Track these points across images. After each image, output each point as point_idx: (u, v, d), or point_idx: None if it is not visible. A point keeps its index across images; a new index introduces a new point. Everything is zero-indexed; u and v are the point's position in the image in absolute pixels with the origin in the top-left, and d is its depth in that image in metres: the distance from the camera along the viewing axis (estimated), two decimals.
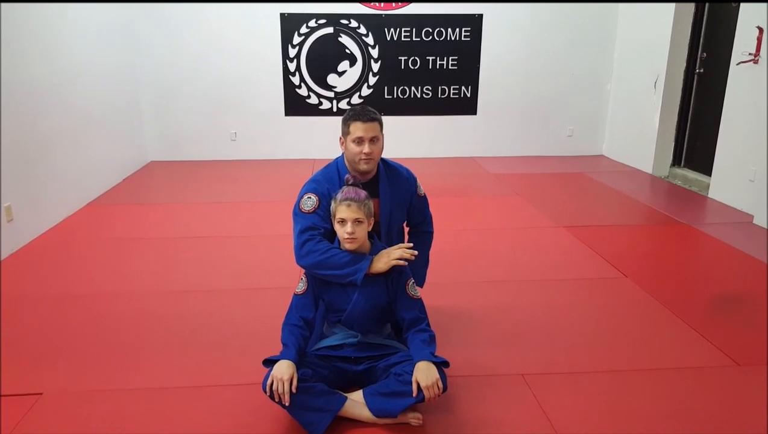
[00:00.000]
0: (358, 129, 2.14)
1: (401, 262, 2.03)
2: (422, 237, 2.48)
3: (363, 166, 2.18)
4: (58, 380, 2.20)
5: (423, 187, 2.47)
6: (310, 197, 2.15)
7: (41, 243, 3.73)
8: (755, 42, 4.28)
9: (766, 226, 4.05)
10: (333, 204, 2.03)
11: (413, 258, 2.05)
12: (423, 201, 2.45)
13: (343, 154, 2.27)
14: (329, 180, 2.20)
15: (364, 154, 2.15)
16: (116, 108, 5.43)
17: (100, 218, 4.34)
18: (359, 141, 2.14)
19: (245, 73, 6.17)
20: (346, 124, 2.19)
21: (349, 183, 2.07)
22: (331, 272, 2.03)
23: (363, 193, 2.03)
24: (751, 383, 2.20)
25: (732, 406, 2.06)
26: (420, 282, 2.47)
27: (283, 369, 1.83)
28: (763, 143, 4.16)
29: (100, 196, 4.89)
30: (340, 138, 2.24)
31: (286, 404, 1.82)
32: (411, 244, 2.10)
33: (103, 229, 4.09)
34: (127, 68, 5.76)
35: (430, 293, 2.57)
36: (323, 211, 2.13)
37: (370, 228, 2.07)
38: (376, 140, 2.17)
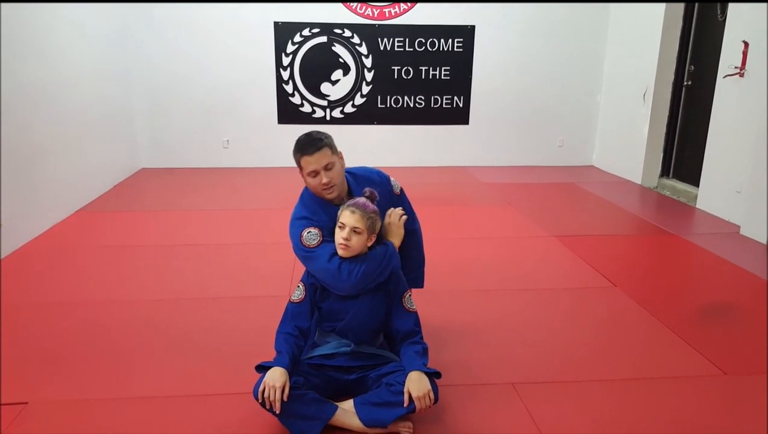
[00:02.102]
0: (308, 163, 2.03)
1: (405, 217, 2.17)
2: (410, 237, 2.35)
3: (328, 197, 2.09)
4: (45, 389, 2.18)
5: (408, 192, 2.42)
6: (310, 231, 2.04)
7: (30, 250, 3.71)
8: (741, 56, 4.36)
9: (752, 237, 4.09)
10: (342, 207, 2.01)
11: (403, 210, 2.18)
12: (402, 198, 2.36)
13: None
14: (313, 211, 2.10)
15: (323, 184, 2.04)
16: (108, 114, 5.42)
17: (90, 225, 4.32)
18: (314, 174, 2.05)
19: (238, 80, 6.18)
20: (297, 161, 2.08)
21: (365, 195, 2.04)
22: (375, 278, 2.03)
23: (372, 207, 2.00)
24: (738, 392, 2.23)
25: (719, 415, 2.08)
26: (420, 283, 2.46)
27: (276, 377, 1.83)
28: (749, 155, 4.22)
29: (91, 203, 4.86)
30: (300, 172, 2.12)
31: (277, 412, 1.82)
32: (392, 208, 2.18)
33: (94, 236, 4.07)
34: (120, 74, 5.75)
35: (421, 301, 2.58)
36: (330, 236, 2.04)
37: (369, 244, 2.03)
38: (331, 166, 2.04)
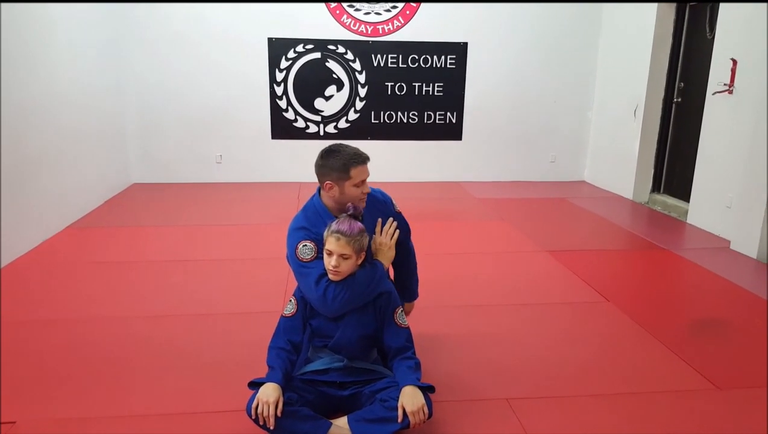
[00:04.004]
0: (363, 172, 2.07)
1: (395, 235, 2.16)
2: (405, 256, 2.42)
3: (362, 206, 2.12)
4: (34, 408, 2.15)
5: (402, 206, 2.42)
6: (306, 244, 2.05)
7: (19, 266, 3.67)
8: (729, 73, 4.43)
9: (742, 252, 4.12)
10: (326, 231, 1.99)
11: (392, 225, 2.17)
12: (401, 218, 2.37)
13: (318, 196, 2.16)
14: (314, 224, 2.10)
15: (363, 193, 2.09)
16: (100, 129, 5.41)
17: (80, 241, 4.29)
18: (362, 183, 2.08)
19: (232, 95, 6.20)
20: (345, 171, 2.04)
21: (349, 212, 2.03)
22: (361, 300, 2.03)
23: (357, 227, 1.98)
24: (731, 407, 2.23)
25: (713, 430, 2.08)
26: (414, 295, 2.49)
27: (269, 392, 1.82)
28: (739, 170, 4.27)
29: (81, 218, 4.83)
30: (328, 183, 2.08)
31: (271, 428, 1.80)
32: (380, 224, 2.16)
33: (84, 252, 4.04)
34: (113, 89, 5.75)
35: (415, 317, 2.58)
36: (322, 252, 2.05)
37: (359, 262, 2.02)
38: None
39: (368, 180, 2.13)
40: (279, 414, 1.80)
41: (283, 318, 2.09)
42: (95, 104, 5.29)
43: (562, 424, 2.09)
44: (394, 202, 2.37)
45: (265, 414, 1.79)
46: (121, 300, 3.17)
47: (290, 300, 2.11)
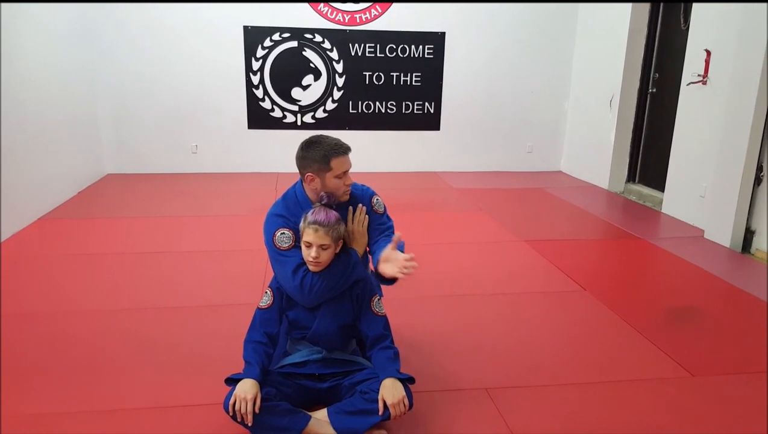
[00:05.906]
0: (344, 163, 2.03)
1: (365, 221, 2.12)
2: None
3: (344, 199, 2.09)
4: (7, 404, 2.09)
5: (377, 192, 2.28)
6: (284, 232, 2.03)
7: None
8: (703, 64, 4.49)
9: (716, 240, 4.20)
10: (302, 222, 1.97)
11: (362, 212, 2.12)
12: (382, 218, 2.22)
13: (301, 185, 2.12)
14: (293, 213, 2.07)
15: (346, 185, 2.07)
16: (72, 117, 5.26)
17: (52, 233, 4.18)
18: (344, 174, 2.05)
19: (207, 84, 6.09)
20: (325, 162, 2.01)
21: (323, 201, 2.01)
22: (338, 289, 2.01)
23: (334, 216, 1.96)
24: (706, 393, 2.27)
25: (688, 416, 2.12)
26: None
27: (247, 388, 1.79)
28: (712, 160, 4.34)
29: (53, 210, 4.71)
30: (309, 175, 2.04)
31: (249, 424, 1.78)
32: (351, 212, 2.13)
33: (56, 245, 3.94)
34: (84, 76, 5.60)
35: (393, 308, 2.57)
36: (300, 242, 2.01)
37: (337, 250, 2.01)
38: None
39: (354, 169, 2.10)
40: (257, 410, 1.78)
41: (259, 310, 2.06)
42: (67, 91, 5.15)
43: (540, 413, 2.11)
44: (377, 200, 2.22)
45: (243, 410, 1.77)
46: (95, 294, 3.10)
47: (266, 292, 2.08)
